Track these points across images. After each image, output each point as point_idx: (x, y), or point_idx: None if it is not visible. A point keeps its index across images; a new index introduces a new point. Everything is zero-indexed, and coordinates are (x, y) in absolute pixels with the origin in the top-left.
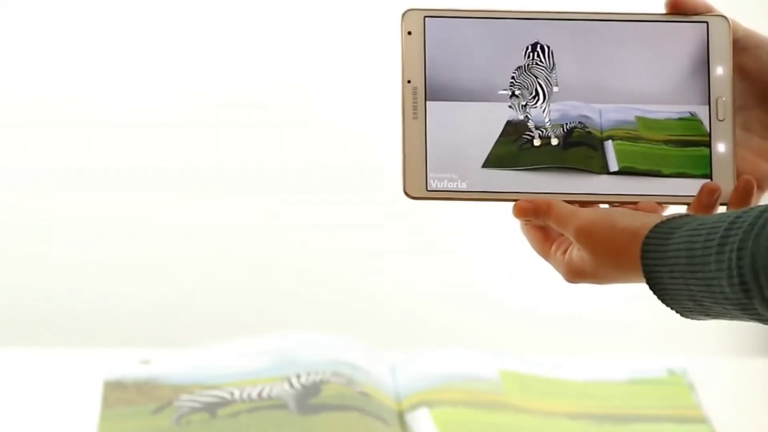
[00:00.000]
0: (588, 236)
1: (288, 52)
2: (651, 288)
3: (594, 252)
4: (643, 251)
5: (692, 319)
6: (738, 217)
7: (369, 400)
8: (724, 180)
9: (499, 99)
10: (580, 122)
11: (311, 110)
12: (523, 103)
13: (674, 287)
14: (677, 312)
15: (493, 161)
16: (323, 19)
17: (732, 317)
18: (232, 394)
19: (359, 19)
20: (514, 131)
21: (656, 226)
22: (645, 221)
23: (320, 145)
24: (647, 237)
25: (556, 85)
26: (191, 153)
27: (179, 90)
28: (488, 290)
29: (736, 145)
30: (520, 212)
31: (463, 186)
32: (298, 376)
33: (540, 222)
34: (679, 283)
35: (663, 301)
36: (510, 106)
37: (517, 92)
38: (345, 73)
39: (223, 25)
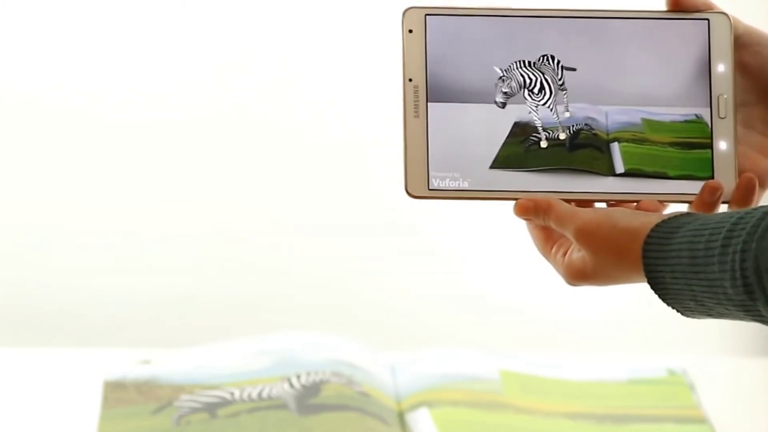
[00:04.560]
0: (588, 236)
1: (288, 50)
2: (652, 287)
3: (594, 252)
4: (645, 251)
5: (694, 318)
6: (741, 218)
7: (369, 400)
8: (726, 178)
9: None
10: (586, 124)
11: (311, 111)
12: (505, 90)
13: (676, 287)
14: (678, 311)
15: (501, 162)
16: (323, 17)
17: (734, 318)
18: (232, 394)
19: (360, 18)
20: (522, 132)
21: (657, 225)
22: (645, 220)
23: (320, 145)
24: (648, 236)
25: (564, 91)
26: (191, 154)
27: (179, 91)
28: (488, 290)
29: (737, 143)
30: (521, 210)
31: (465, 185)
32: (298, 376)
33: (540, 221)
34: (681, 283)
35: (664, 300)
36: (503, 89)
37: (504, 77)
38: (345, 73)
39: (223, 25)
